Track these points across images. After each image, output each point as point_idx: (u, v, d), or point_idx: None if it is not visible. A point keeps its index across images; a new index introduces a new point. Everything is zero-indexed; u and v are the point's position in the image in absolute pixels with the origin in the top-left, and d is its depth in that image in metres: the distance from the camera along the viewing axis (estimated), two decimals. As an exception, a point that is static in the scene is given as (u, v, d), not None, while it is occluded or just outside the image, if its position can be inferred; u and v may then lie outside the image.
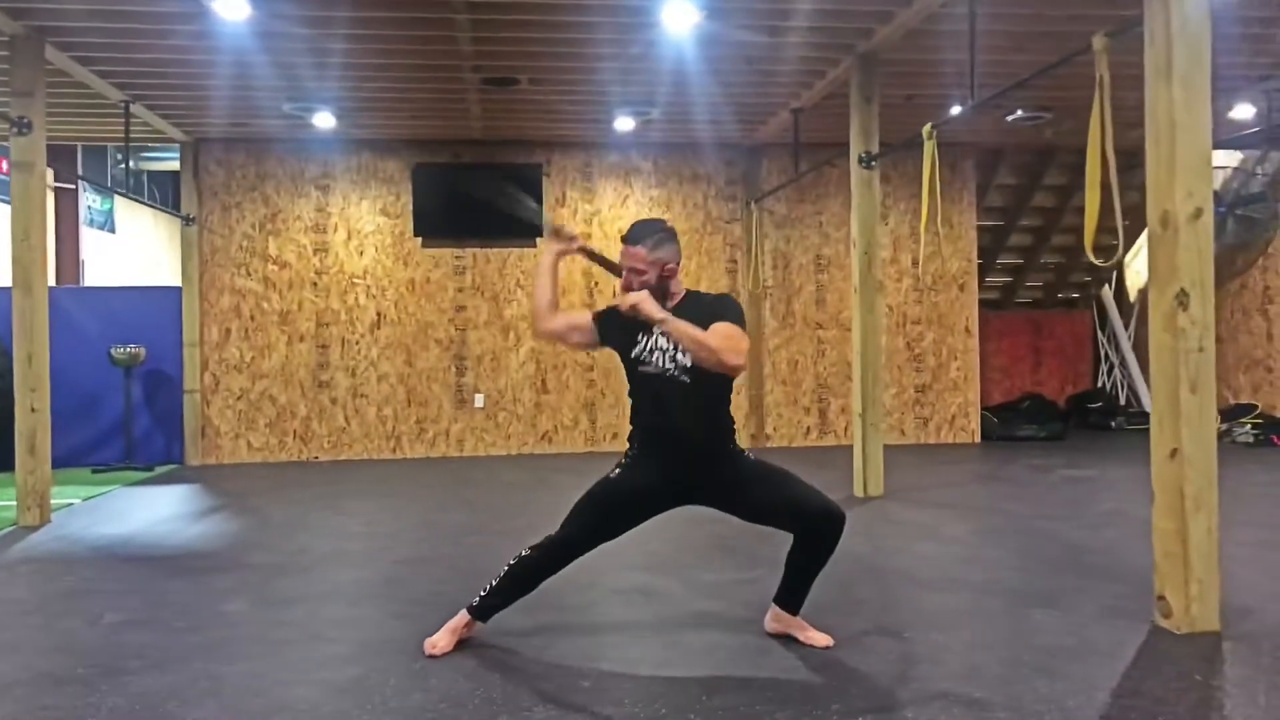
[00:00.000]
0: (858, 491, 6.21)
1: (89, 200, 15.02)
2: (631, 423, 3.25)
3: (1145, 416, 10.28)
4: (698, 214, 9.08)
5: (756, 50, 6.10)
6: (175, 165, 10.15)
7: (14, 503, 5.77)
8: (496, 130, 8.33)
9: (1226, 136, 8.24)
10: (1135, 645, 3.22)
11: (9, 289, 5.72)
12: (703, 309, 3.07)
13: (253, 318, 8.63)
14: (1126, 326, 10.99)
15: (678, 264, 3.15)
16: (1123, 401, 10.80)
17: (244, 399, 8.60)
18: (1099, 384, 11.04)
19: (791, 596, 3.31)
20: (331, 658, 3.23)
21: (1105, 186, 3.57)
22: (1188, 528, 3.30)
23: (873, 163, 6.12)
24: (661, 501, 3.21)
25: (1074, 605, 3.71)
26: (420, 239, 8.71)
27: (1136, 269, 10.73)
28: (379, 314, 8.73)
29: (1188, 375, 3.29)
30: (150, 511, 6.19)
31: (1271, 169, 9.33)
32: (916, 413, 9.28)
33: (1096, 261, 3.68)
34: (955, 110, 7.58)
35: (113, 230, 16.92)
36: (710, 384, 3.09)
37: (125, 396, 8.17)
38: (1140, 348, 10.90)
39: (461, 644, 3.25)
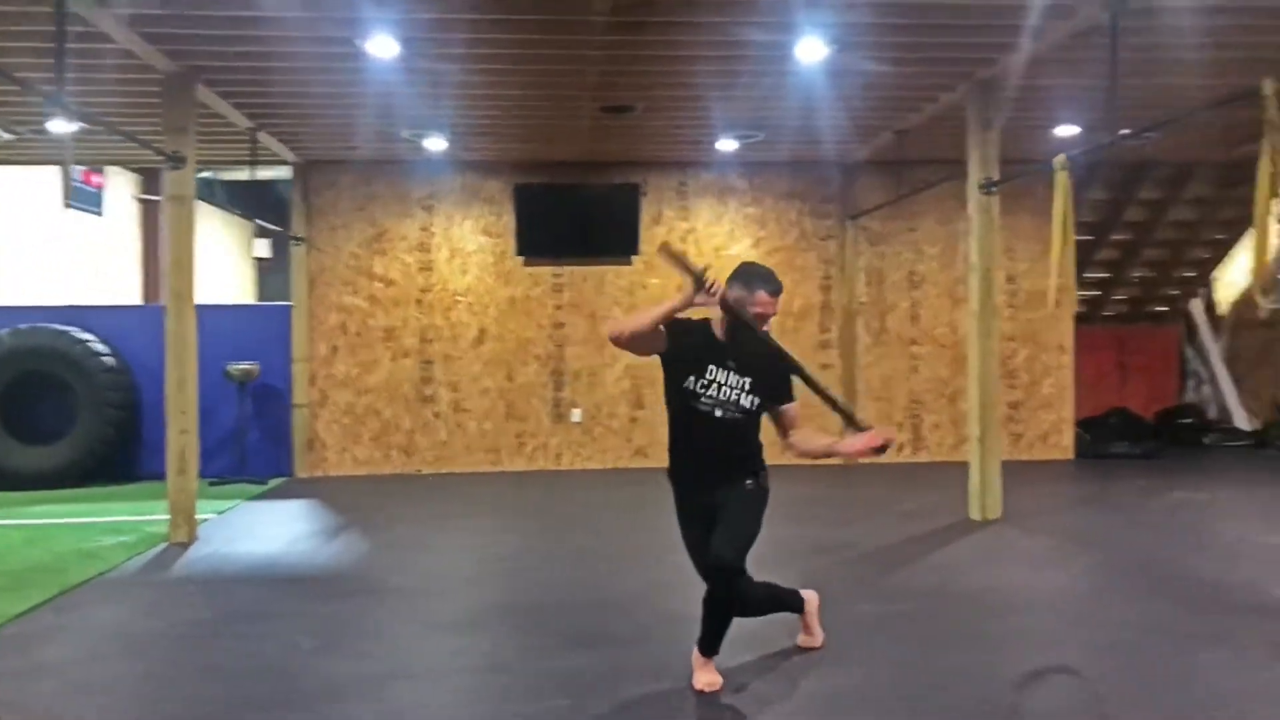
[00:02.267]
0: (974, 514, 6.27)
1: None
2: (670, 449, 3.41)
3: (1239, 433, 10.19)
4: (792, 231, 9.16)
5: (877, 79, 6.18)
6: (242, 175, 10.33)
7: (160, 517, 6.04)
8: (598, 152, 8.48)
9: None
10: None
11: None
12: (779, 361, 3.24)
13: (359, 334, 8.86)
14: (1217, 340, 10.87)
15: None
16: (1211, 417, 10.70)
17: (350, 413, 8.84)
18: (1186, 399, 10.93)
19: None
20: (529, 691, 3.38)
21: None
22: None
23: (993, 188, 6.17)
24: (702, 511, 3.35)
25: (1241, 645, 3.74)
26: (521, 257, 8.89)
27: (1229, 281, 10.64)
28: (481, 330, 8.93)
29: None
30: (283, 529, 6.41)
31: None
32: (1010, 429, 9.27)
33: (1264, 303, 3.72)
34: (1062, 130, 7.61)
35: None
36: (758, 417, 3.33)
37: (239, 411, 8.45)
38: (1232, 362, 10.80)
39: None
